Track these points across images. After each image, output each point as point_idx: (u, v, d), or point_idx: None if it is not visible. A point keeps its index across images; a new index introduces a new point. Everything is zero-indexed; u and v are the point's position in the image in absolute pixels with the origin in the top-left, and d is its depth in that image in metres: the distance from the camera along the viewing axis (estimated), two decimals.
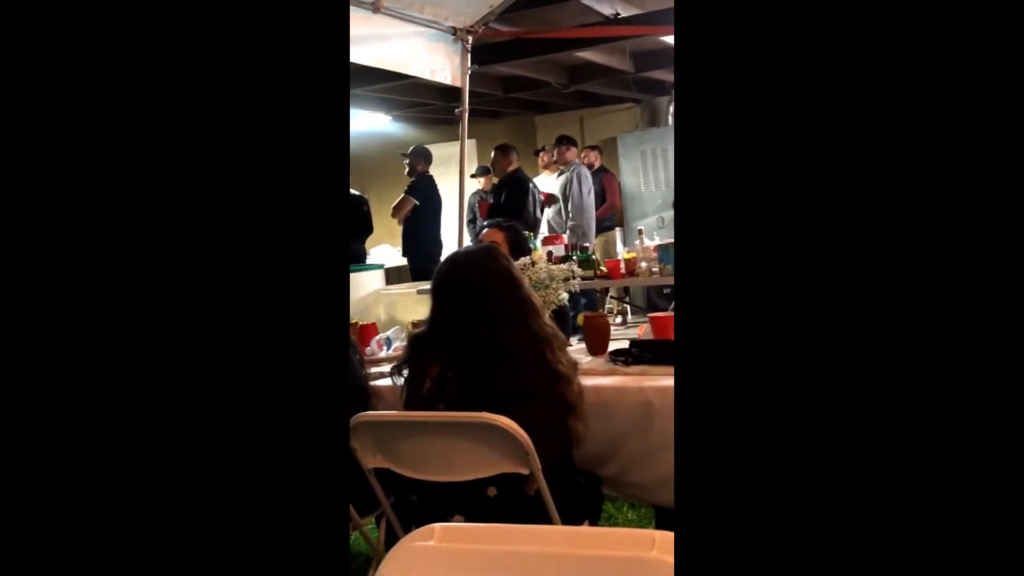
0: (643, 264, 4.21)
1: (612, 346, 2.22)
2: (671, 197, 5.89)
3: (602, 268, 4.39)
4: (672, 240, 4.18)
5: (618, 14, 4.40)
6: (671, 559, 0.74)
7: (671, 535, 0.77)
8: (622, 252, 4.92)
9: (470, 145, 7.66)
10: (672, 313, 2.21)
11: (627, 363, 2.04)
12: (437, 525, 0.82)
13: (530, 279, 2.28)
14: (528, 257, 2.43)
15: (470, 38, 3.92)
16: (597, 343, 2.25)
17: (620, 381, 1.91)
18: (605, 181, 6.83)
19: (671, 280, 3.21)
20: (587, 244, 5.30)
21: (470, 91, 4.22)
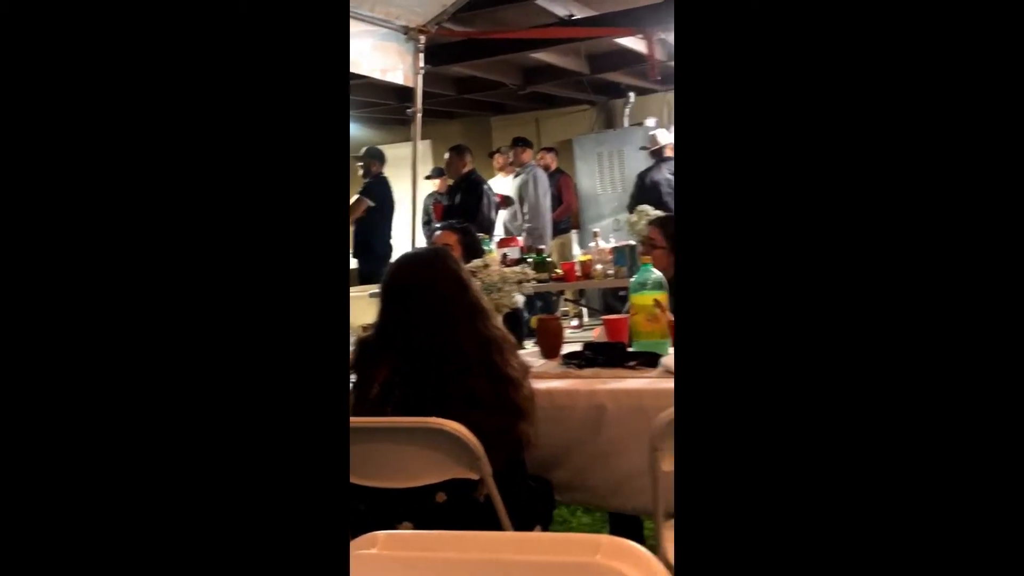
0: (598, 266, 4.24)
1: (567, 349, 2.22)
2: (627, 199, 5.93)
3: (558, 271, 4.41)
4: (628, 243, 4.21)
5: (572, 15, 4.42)
6: (615, 563, 0.74)
7: (617, 539, 0.77)
8: (578, 254, 4.94)
9: (425, 146, 7.66)
10: (626, 315, 2.22)
11: (580, 366, 2.04)
12: (380, 533, 0.81)
13: (482, 282, 2.28)
14: (481, 259, 2.42)
15: (422, 38, 3.90)
16: (550, 346, 2.25)
17: (573, 384, 1.91)
18: (561, 183, 6.87)
19: (626, 282, 3.23)
20: (543, 246, 5.32)
21: (424, 91, 4.20)
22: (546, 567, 0.77)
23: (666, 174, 5.50)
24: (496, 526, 1.52)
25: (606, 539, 0.76)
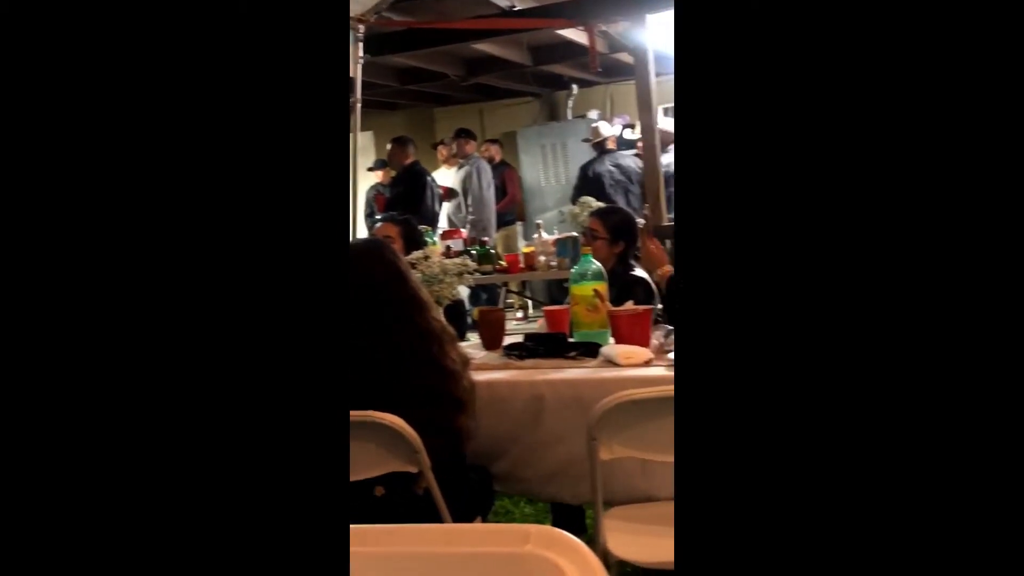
0: (542, 258, 4.26)
1: (510, 340, 2.22)
2: (571, 191, 5.96)
3: (502, 262, 4.41)
4: (570, 234, 4.23)
5: (514, 6, 4.41)
6: (545, 552, 0.74)
7: (547, 528, 0.77)
8: (523, 246, 4.96)
9: (367, 137, 7.57)
10: (567, 306, 2.23)
11: (521, 357, 2.04)
12: None
13: (423, 274, 2.26)
14: (421, 251, 2.41)
15: (362, 27, 3.85)
16: (491, 337, 2.25)
17: (513, 376, 1.91)
18: (506, 175, 6.87)
19: (568, 274, 3.24)
20: (487, 238, 5.31)
21: (365, 82, 4.15)
22: (477, 558, 0.77)
23: (608, 166, 5.54)
24: (436, 519, 1.52)
25: (535, 529, 0.76)
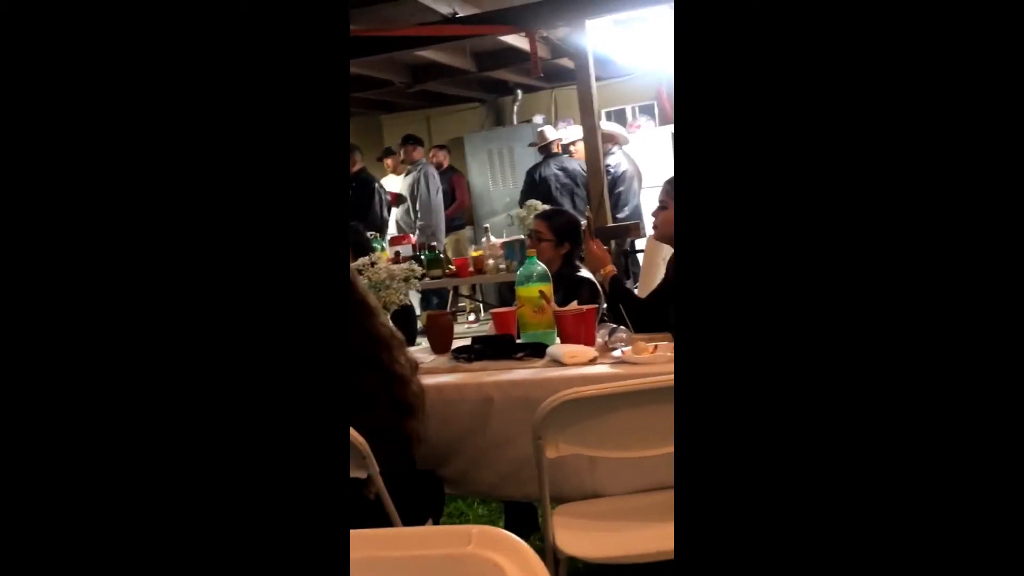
0: (491, 261, 4.27)
1: (459, 343, 2.22)
2: (519, 195, 5.98)
3: (451, 267, 4.41)
4: (518, 237, 4.24)
5: (456, 13, 4.41)
6: (487, 552, 0.74)
7: (489, 529, 0.77)
8: (472, 250, 4.96)
9: None
10: (514, 308, 2.23)
11: (469, 360, 2.04)
12: None
13: (369, 280, 2.25)
14: (368, 257, 2.39)
15: None
16: (440, 341, 2.24)
17: (462, 378, 1.91)
18: (454, 180, 6.86)
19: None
20: (435, 243, 5.30)
21: None
22: (420, 561, 0.77)
23: (555, 169, 5.56)
24: (387, 524, 1.51)
25: (477, 529, 0.76)
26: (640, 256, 4.26)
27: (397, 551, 0.77)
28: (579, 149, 5.36)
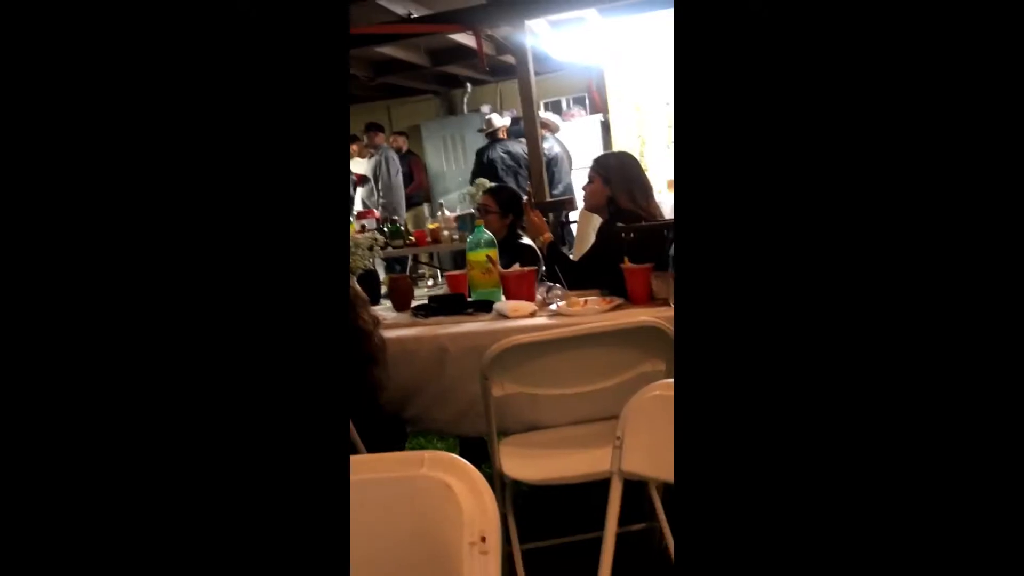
0: (445, 232, 4.24)
1: (417, 303, 2.20)
2: (469, 175, 5.92)
3: (411, 238, 4.36)
4: (469, 211, 4.21)
5: (411, 14, 4.30)
6: (437, 474, 0.74)
7: (439, 453, 0.77)
8: (429, 223, 4.92)
9: None
10: (465, 271, 2.21)
11: (426, 316, 2.03)
12: None
13: None
14: None
15: None
16: (400, 300, 2.22)
17: (419, 332, 1.89)
18: (412, 163, 6.76)
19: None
20: (396, 218, 5.24)
21: None
22: (379, 483, 0.76)
23: (500, 152, 5.52)
24: None
25: (429, 455, 0.76)
26: (574, 227, 4.26)
27: (356, 475, 0.76)
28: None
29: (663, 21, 4.50)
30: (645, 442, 0.98)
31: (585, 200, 2.37)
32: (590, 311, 1.80)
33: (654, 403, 0.99)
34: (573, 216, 5.03)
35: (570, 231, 4.98)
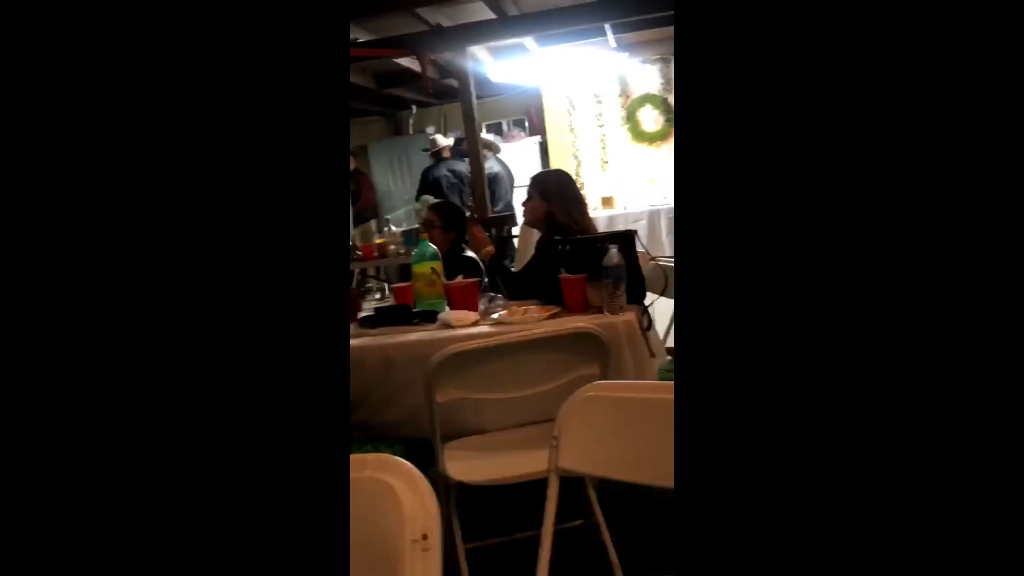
0: (392, 247, 4.20)
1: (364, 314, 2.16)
2: (415, 192, 5.88)
3: (359, 252, 4.30)
4: (414, 226, 4.17)
5: (358, 39, 4.26)
6: (380, 475, 0.72)
7: (382, 456, 0.75)
8: (376, 238, 4.86)
9: None
10: (411, 283, 2.19)
11: (373, 326, 1.99)
12: None
13: None
14: None
15: None
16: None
17: (366, 341, 1.86)
18: (360, 181, 6.69)
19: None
20: None
21: None
22: None
23: (445, 171, 5.50)
24: None
25: (372, 457, 0.74)
26: (516, 241, 4.28)
27: None
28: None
29: (596, 50, 4.59)
30: (579, 441, 0.98)
31: (525, 216, 2.38)
32: (529, 319, 1.80)
33: (587, 404, 0.99)
34: (516, 231, 5.05)
35: (512, 245, 5.00)
